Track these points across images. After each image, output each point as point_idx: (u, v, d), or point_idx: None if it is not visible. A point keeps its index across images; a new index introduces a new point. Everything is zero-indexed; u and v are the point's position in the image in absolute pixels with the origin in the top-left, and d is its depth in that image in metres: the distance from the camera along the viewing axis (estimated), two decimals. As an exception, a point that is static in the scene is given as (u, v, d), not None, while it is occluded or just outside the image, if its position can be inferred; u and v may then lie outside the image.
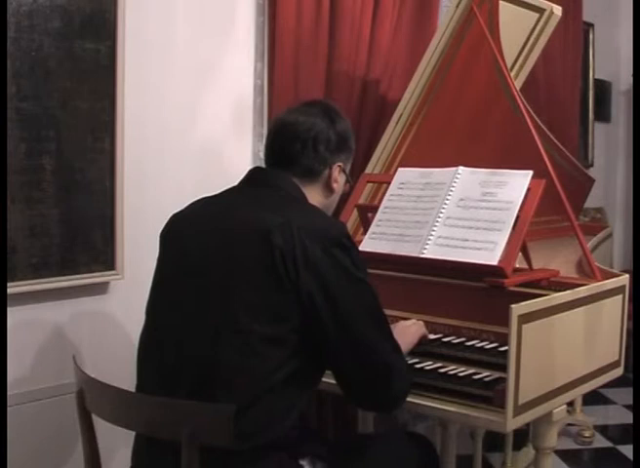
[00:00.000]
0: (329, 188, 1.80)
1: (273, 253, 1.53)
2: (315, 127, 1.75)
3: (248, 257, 1.56)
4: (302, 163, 1.74)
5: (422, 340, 1.95)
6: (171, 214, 1.79)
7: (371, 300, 1.61)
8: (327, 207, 1.84)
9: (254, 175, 1.80)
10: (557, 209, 2.23)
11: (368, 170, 2.63)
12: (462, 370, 1.84)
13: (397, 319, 2.11)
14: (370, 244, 2.15)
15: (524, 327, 1.68)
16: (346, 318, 1.56)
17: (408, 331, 1.93)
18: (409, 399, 1.78)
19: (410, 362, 1.90)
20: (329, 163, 1.78)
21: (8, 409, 1.90)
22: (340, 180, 1.82)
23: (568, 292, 1.88)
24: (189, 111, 2.57)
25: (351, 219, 2.43)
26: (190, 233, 1.69)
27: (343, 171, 1.82)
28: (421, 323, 2.00)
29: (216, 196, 1.77)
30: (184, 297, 1.63)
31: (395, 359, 1.64)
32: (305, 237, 1.55)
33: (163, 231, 1.77)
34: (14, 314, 2.09)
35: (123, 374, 1.88)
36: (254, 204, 1.67)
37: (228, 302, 1.56)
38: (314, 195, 1.78)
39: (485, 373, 1.81)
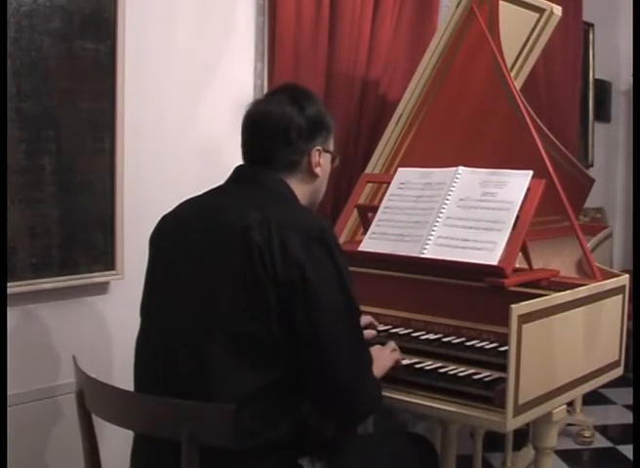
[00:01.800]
0: (312, 175, 1.77)
1: (252, 249, 1.53)
2: (284, 117, 1.71)
3: (230, 256, 1.56)
4: (279, 157, 1.72)
5: (396, 365, 1.87)
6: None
7: (347, 301, 1.59)
8: (316, 190, 1.81)
9: (239, 173, 1.78)
10: (557, 209, 2.23)
11: (368, 170, 2.63)
12: (462, 370, 1.84)
13: (397, 318, 2.12)
14: (370, 244, 2.15)
15: (524, 327, 1.68)
16: (319, 314, 1.54)
17: (381, 354, 1.85)
18: (409, 399, 1.78)
19: (410, 362, 1.90)
20: (306, 151, 1.74)
21: (8, 409, 1.90)
22: (323, 162, 1.78)
23: (568, 292, 1.88)
24: (189, 111, 2.57)
25: (351, 219, 2.44)
26: (177, 235, 1.69)
27: (326, 151, 1.79)
28: (393, 345, 1.92)
29: (201, 196, 1.77)
30: (174, 298, 1.64)
31: (363, 363, 1.62)
32: (284, 233, 1.54)
33: (152, 234, 1.76)
34: (14, 314, 2.09)
35: (123, 374, 1.88)
36: (237, 202, 1.66)
37: (214, 302, 1.56)
38: (299, 184, 1.75)
39: (485, 373, 1.81)
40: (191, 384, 1.56)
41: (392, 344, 1.92)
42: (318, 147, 1.76)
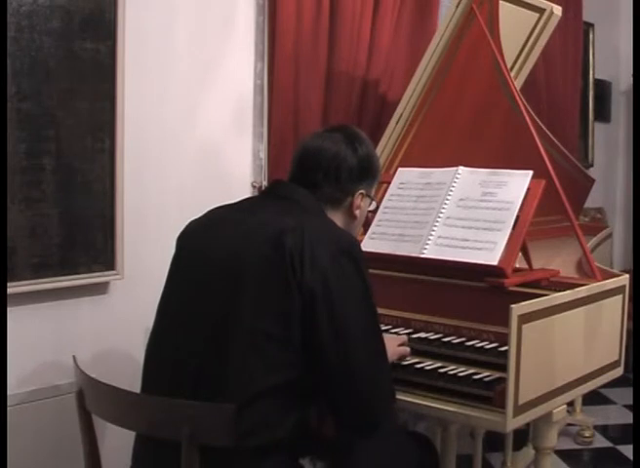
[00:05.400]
0: (351, 215, 1.82)
1: (283, 253, 1.55)
2: (338, 156, 1.76)
3: (259, 258, 1.58)
4: (325, 191, 1.76)
5: (401, 359, 1.90)
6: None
7: (369, 313, 1.61)
8: (351, 231, 1.83)
9: (274, 187, 1.82)
10: (557, 209, 2.23)
11: (368, 170, 2.63)
12: (462, 370, 1.84)
13: (397, 319, 2.12)
14: (370, 244, 2.15)
15: (524, 327, 1.68)
16: (341, 324, 1.55)
17: (390, 343, 1.85)
18: (409, 399, 1.78)
19: (410, 362, 1.90)
20: (351, 192, 1.79)
21: (8, 409, 1.90)
22: (363, 206, 1.84)
23: (568, 292, 1.88)
24: (189, 111, 2.57)
25: (351, 219, 2.43)
26: (204, 237, 1.71)
27: (368, 195, 1.84)
28: (405, 338, 1.96)
29: (233, 204, 1.80)
30: (194, 299, 1.65)
31: (383, 373, 1.63)
32: (316, 241, 1.57)
33: (179, 236, 1.78)
34: (14, 314, 2.09)
35: (123, 374, 1.88)
36: (270, 212, 1.69)
37: (236, 302, 1.57)
38: (336, 220, 1.78)
39: (485, 373, 1.81)
40: (203, 382, 1.56)
41: (403, 338, 1.95)
42: (362, 191, 1.81)
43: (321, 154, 1.77)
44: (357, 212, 1.82)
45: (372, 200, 1.89)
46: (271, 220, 1.63)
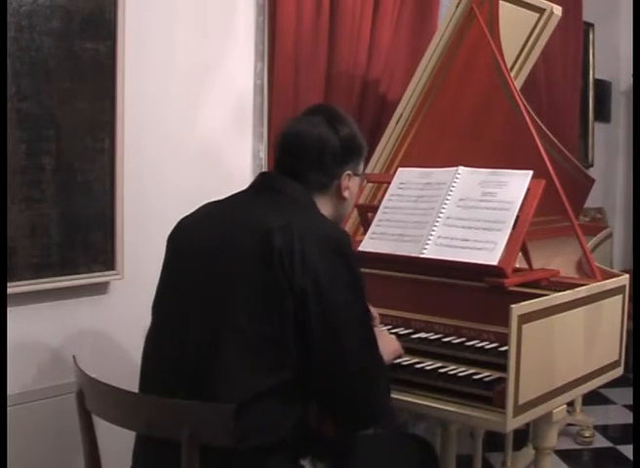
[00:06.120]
0: (340, 197, 1.80)
1: (272, 253, 1.54)
2: (320, 139, 1.74)
3: (249, 258, 1.57)
4: (311, 178, 1.74)
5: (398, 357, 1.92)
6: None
7: (360, 310, 1.61)
8: (341, 211, 1.84)
9: (262, 180, 1.80)
10: (557, 209, 2.23)
11: (368, 170, 2.62)
12: (462, 370, 1.84)
13: (397, 319, 2.12)
14: (370, 244, 2.15)
15: (524, 327, 1.68)
16: (334, 322, 1.55)
17: (390, 344, 1.89)
18: (409, 399, 1.78)
19: (410, 362, 1.91)
20: (337, 175, 1.77)
21: (8, 409, 1.90)
22: (352, 185, 1.81)
23: (568, 292, 1.88)
24: (189, 111, 2.57)
25: (351, 219, 2.43)
26: (195, 235, 1.70)
27: (355, 175, 1.82)
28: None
29: (222, 200, 1.78)
30: (188, 298, 1.64)
31: (378, 370, 1.63)
32: (305, 239, 1.55)
33: (170, 233, 1.78)
34: (14, 314, 2.09)
35: (123, 374, 1.88)
36: (260, 208, 1.67)
37: (229, 302, 1.57)
38: (326, 205, 1.78)
39: (485, 373, 1.81)
40: (199, 383, 1.56)
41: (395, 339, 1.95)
42: (349, 172, 1.79)
43: (304, 139, 1.74)
44: (346, 193, 1.80)
45: (361, 178, 1.87)
46: (261, 218, 1.61)
